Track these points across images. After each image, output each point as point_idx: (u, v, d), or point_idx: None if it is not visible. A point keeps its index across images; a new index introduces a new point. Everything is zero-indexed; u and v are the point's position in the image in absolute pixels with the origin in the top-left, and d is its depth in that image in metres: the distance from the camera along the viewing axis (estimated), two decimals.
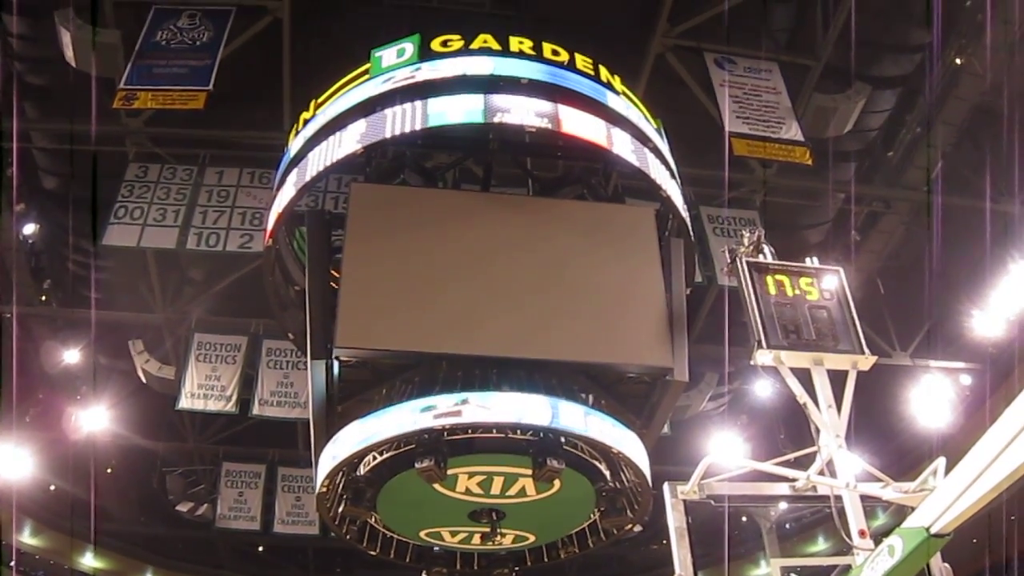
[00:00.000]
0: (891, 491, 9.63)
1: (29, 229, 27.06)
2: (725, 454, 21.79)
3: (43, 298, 29.32)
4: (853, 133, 24.78)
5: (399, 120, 15.97)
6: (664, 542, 11.03)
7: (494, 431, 15.09)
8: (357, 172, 19.52)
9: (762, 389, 29.82)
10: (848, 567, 10.13)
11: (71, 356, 29.35)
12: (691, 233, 18.30)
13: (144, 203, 23.78)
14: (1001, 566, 25.22)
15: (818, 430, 10.30)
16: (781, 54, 24.15)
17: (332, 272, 16.93)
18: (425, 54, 17.01)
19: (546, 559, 18.96)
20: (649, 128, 18.10)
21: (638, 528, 21.41)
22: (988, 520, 19.96)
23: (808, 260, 11.69)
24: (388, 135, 15.95)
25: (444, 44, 17.13)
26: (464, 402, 14.64)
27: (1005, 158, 22.61)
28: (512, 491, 15.63)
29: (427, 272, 16.10)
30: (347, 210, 17.04)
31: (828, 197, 27.53)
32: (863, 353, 10.60)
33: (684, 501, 10.91)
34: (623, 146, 16.75)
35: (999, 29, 22.20)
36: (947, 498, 7.17)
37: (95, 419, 29.87)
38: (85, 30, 21.37)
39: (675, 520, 10.81)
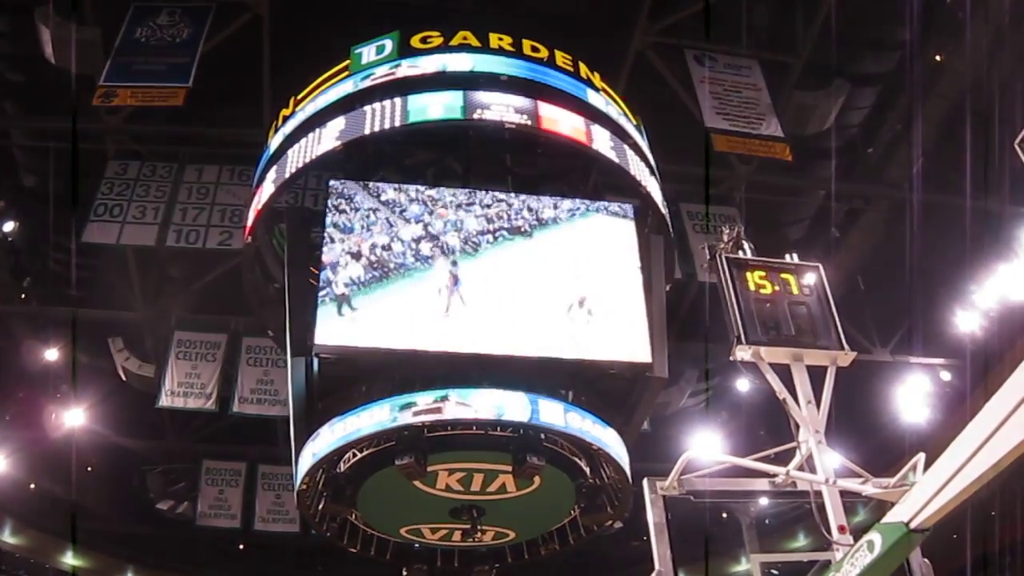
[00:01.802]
0: (871, 487, 9.63)
1: (9, 227, 26.87)
2: (705, 450, 21.81)
3: (23, 296, 29.14)
4: (833, 130, 24.79)
5: (378, 117, 16.01)
6: (644, 538, 11.01)
7: (474, 428, 15.10)
8: (337, 169, 19.48)
9: (742, 385, 29.79)
10: (828, 563, 10.13)
11: (51, 354, 29.12)
12: (671, 230, 18.35)
13: (124, 200, 23.73)
14: (981, 561, 25.27)
15: (798, 426, 10.28)
16: (761, 51, 24.21)
17: (312, 269, 16.91)
18: (405, 51, 17.06)
19: (526, 556, 18.94)
20: (629, 125, 18.15)
21: (618, 524, 21.48)
22: (968, 515, 20.01)
23: (788, 256, 11.68)
24: (367, 132, 16.01)
25: (424, 41, 17.18)
26: (444, 399, 14.65)
27: (985, 155, 22.66)
28: (492, 488, 15.64)
29: None
30: (327, 207, 17.00)
31: (808, 194, 27.61)
32: (843, 349, 10.57)
33: (664, 497, 10.85)
34: (603, 143, 16.80)
35: (980, 26, 22.26)
36: (927, 493, 7.16)
37: (75, 417, 29.59)
38: (65, 27, 21.30)
39: (655, 516, 10.76)
